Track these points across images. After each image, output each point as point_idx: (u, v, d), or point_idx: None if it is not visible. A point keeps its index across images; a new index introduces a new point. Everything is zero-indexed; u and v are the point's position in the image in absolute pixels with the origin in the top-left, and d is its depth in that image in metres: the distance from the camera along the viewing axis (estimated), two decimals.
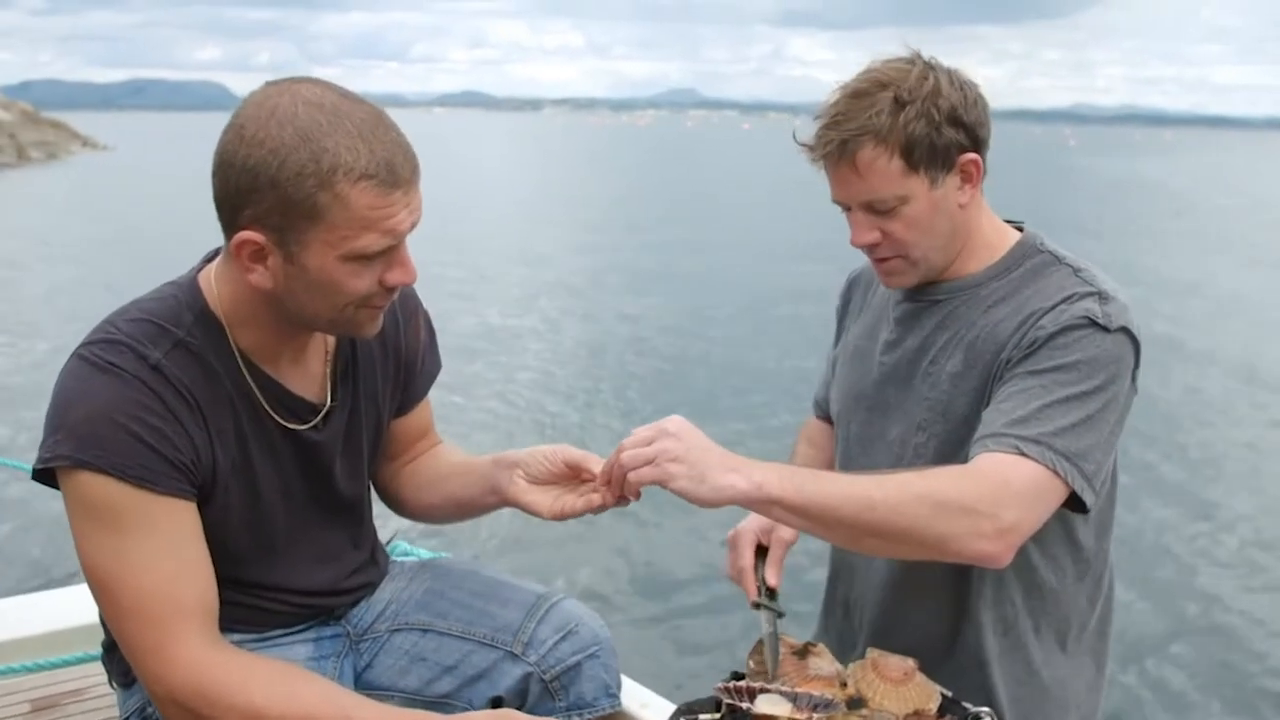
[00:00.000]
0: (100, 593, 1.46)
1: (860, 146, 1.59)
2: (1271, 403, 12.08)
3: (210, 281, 1.52)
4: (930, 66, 1.63)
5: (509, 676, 1.69)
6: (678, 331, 15.36)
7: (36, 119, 60.18)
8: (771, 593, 1.72)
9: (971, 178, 1.66)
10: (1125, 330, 1.59)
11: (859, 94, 1.61)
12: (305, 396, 1.60)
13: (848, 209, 1.68)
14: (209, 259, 1.57)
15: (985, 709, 1.59)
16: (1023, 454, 1.49)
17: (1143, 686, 5.87)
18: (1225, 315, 17.08)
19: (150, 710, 1.58)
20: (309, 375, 1.61)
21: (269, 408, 1.55)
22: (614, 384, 12.40)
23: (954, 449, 1.67)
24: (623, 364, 13.45)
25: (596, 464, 1.61)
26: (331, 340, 1.64)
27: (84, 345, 1.46)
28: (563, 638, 1.69)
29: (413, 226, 1.44)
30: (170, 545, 1.44)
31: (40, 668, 2.13)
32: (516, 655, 1.69)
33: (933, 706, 1.60)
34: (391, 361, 1.72)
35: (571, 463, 1.64)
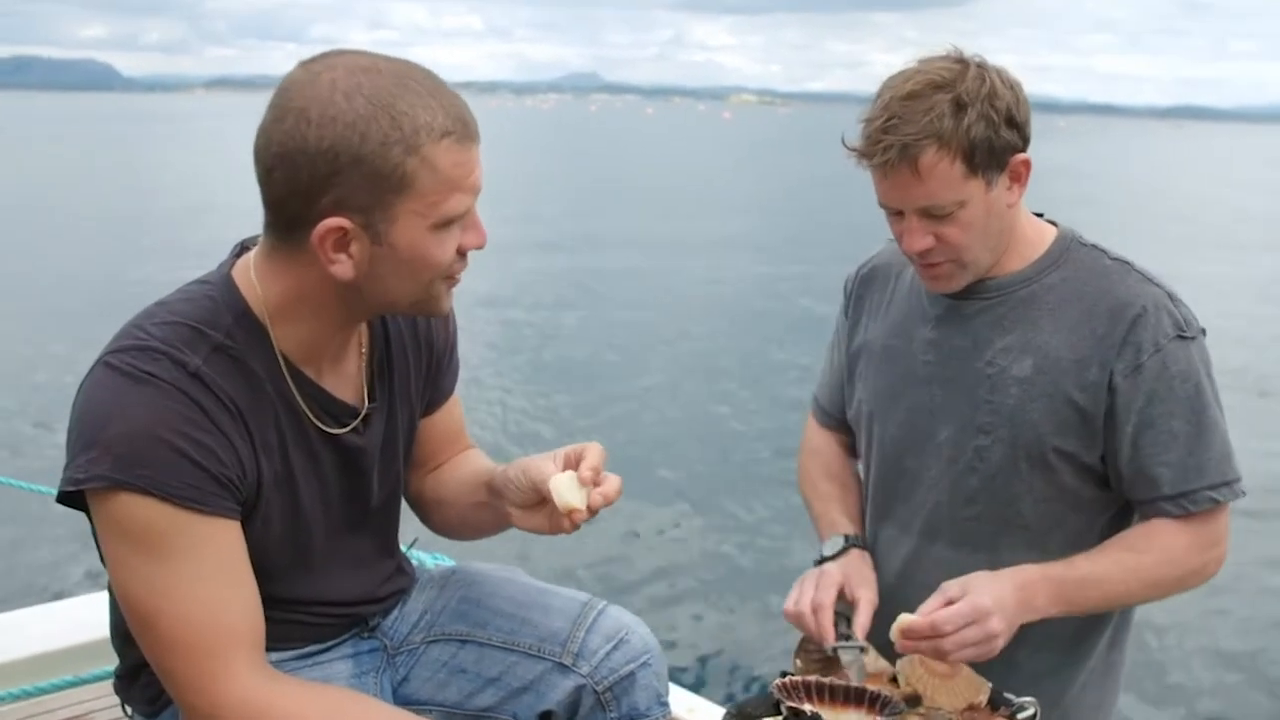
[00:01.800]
0: (140, 621, 1.37)
1: (922, 151, 1.56)
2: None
3: (250, 279, 1.41)
4: (981, 66, 1.61)
5: (558, 689, 1.62)
6: (577, 318, 15.29)
7: None
8: (847, 637, 1.68)
9: (1021, 177, 1.65)
10: (1201, 330, 1.68)
11: (914, 95, 1.57)
12: (345, 399, 1.51)
13: (898, 214, 1.65)
14: (238, 253, 1.46)
15: (1029, 699, 1.62)
16: (1214, 505, 1.67)
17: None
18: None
19: None
20: (346, 376, 1.53)
21: (310, 413, 1.46)
22: (509, 374, 12.27)
23: (1023, 453, 1.69)
24: (518, 352, 13.33)
25: (555, 481, 1.47)
26: (366, 338, 1.55)
27: (112, 353, 1.34)
28: (614, 647, 1.63)
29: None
30: (218, 570, 1.35)
31: (29, 694, 1.97)
32: (567, 666, 1.62)
33: (983, 699, 1.62)
34: (425, 355, 1.65)
35: (537, 484, 1.50)
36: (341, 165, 1.27)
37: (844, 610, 1.74)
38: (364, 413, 1.54)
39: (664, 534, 7.99)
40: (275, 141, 1.30)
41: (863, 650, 1.63)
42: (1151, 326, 1.63)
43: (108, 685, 1.74)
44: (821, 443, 2.03)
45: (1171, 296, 1.67)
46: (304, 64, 1.34)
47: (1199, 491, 1.65)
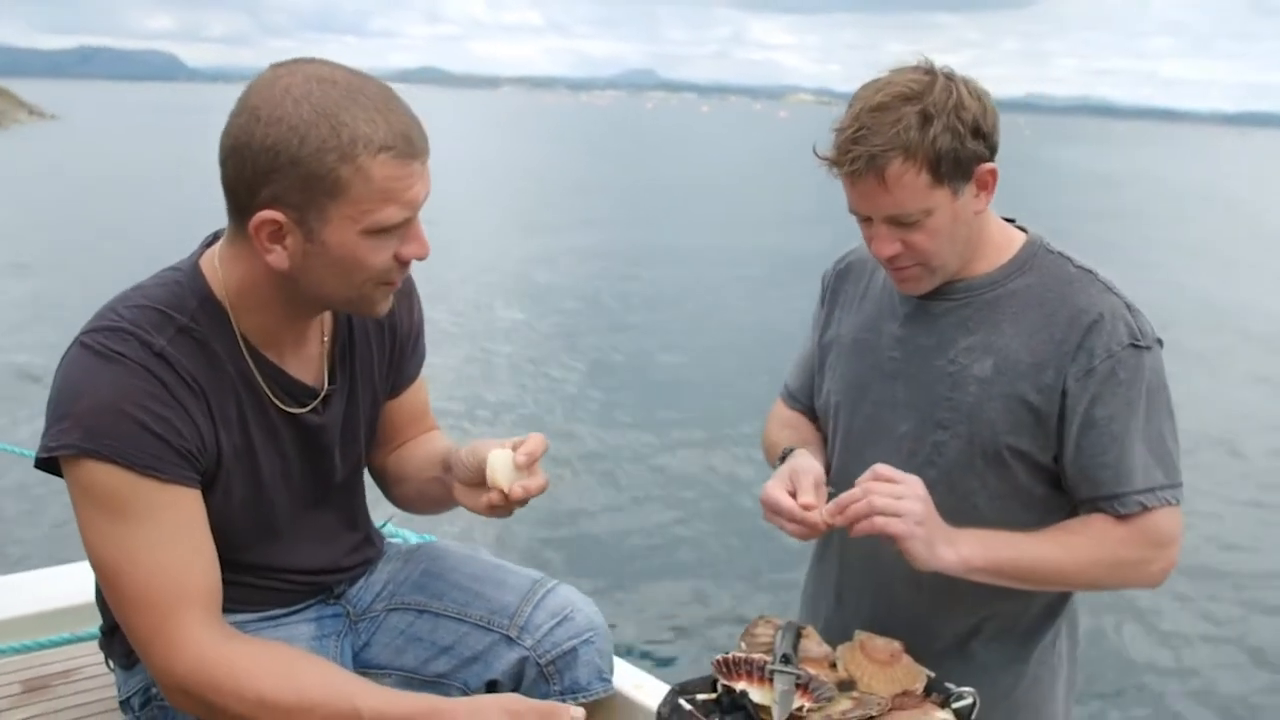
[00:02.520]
0: (106, 580, 1.47)
1: (889, 162, 1.60)
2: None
3: (214, 265, 1.51)
4: (949, 78, 1.64)
5: (504, 660, 1.71)
6: (629, 317, 15.40)
7: None
8: (786, 659, 1.68)
9: (987, 185, 1.69)
10: (1158, 340, 1.71)
11: (882, 107, 1.61)
12: (304, 380, 1.61)
13: (867, 220, 1.70)
14: (208, 243, 1.57)
15: (968, 689, 1.65)
16: (1163, 505, 1.70)
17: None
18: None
19: (154, 690, 1.59)
20: (308, 359, 1.62)
21: (270, 393, 1.56)
22: (563, 370, 12.39)
23: (978, 449, 1.73)
24: (570, 349, 13.47)
25: (492, 457, 1.57)
26: (329, 322, 1.65)
27: (87, 333, 1.45)
28: (558, 623, 1.72)
29: (426, 198, 1.46)
30: (175, 533, 1.45)
31: (28, 648, 2.12)
32: (512, 639, 1.71)
33: (919, 687, 1.65)
34: (388, 340, 1.73)
35: (481, 463, 1.59)
36: (280, 164, 1.36)
37: (791, 630, 1.74)
38: (323, 393, 1.63)
39: (647, 519, 8.20)
40: (230, 134, 1.40)
41: (798, 680, 1.62)
42: (1106, 333, 1.67)
43: (95, 643, 1.86)
44: (787, 414, 2.07)
45: (1129, 306, 1.71)
46: (273, 67, 1.44)
47: (1128, 495, 1.69)
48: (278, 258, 1.44)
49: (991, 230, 1.77)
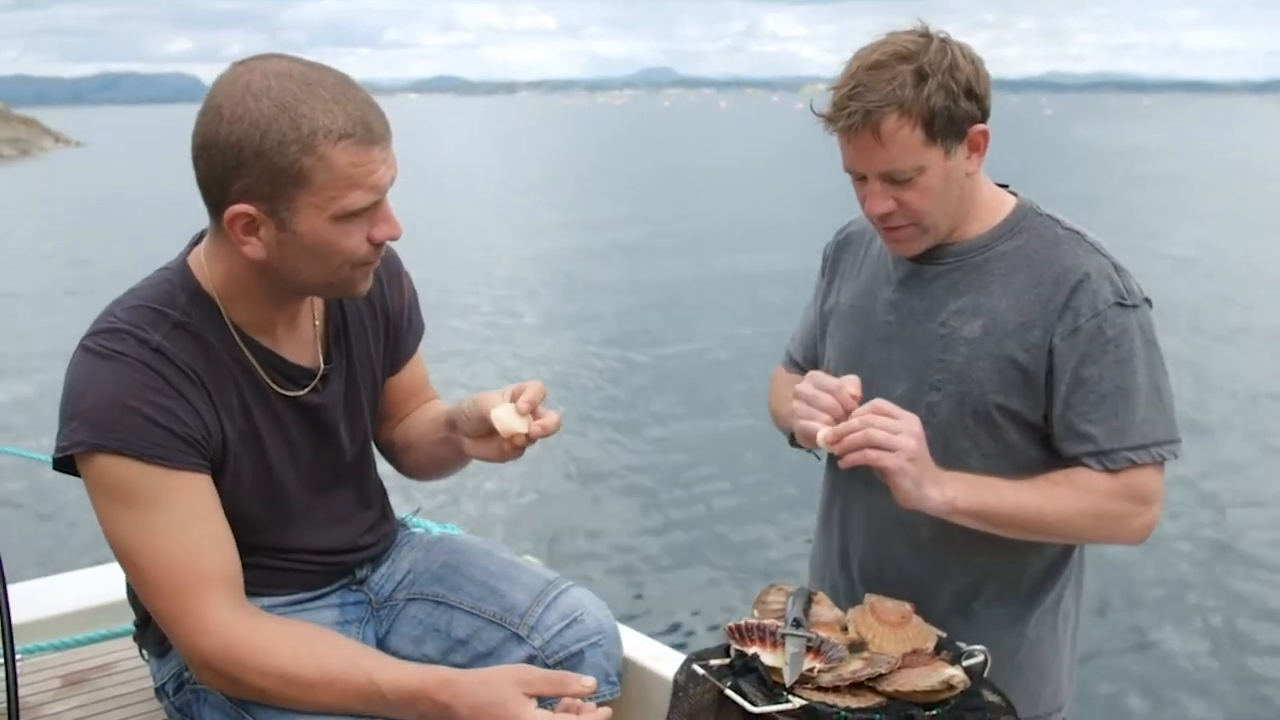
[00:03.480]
0: (128, 568, 1.53)
1: (884, 117, 1.63)
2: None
3: (200, 262, 1.58)
4: (944, 41, 1.68)
5: (513, 657, 1.74)
6: (651, 316, 15.43)
7: (7, 116, 59.57)
8: (798, 623, 1.71)
9: (979, 147, 1.72)
10: (1146, 299, 1.73)
11: (879, 65, 1.65)
12: (300, 363, 1.66)
13: (861, 179, 1.73)
14: (195, 242, 1.63)
15: (979, 647, 1.67)
16: (1148, 463, 1.71)
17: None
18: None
19: (187, 674, 1.65)
20: (302, 342, 1.67)
21: (267, 378, 1.61)
22: (588, 370, 12.45)
23: (969, 409, 1.76)
24: (591, 347, 13.52)
25: (497, 412, 1.62)
26: (320, 306, 1.70)
27: (88, 337, 1.52)
28: (567, 625, 1.75)
29: (392, 181, 1.50)
30: (189, 517, 1.51)
31: (67, 645, 2.19)
32: (521, 637, 1.75)
33: (929, 646, 1.68)
34: (380, 320, 1.79)
35: (485, 415, 1.65)
36: (245, 159, 1.42)
37: (802, 595, 1.78)
38: (321, 374, 1.68)
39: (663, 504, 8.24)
40: (198, 134, 1.46)
41: (809, 643, 1.64)
42: (1091, 293, 1.69)
43: (131, 638, 1.93)
44: (790, 377, 2.10)
45: (1116, 266, 1.73)
46: (234, 65, 1.49)
47: (1118, 452, 1.70)
48: (254, 249, 1.49)
49: (983, 194, 1.80)
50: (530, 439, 1.62)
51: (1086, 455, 1.72)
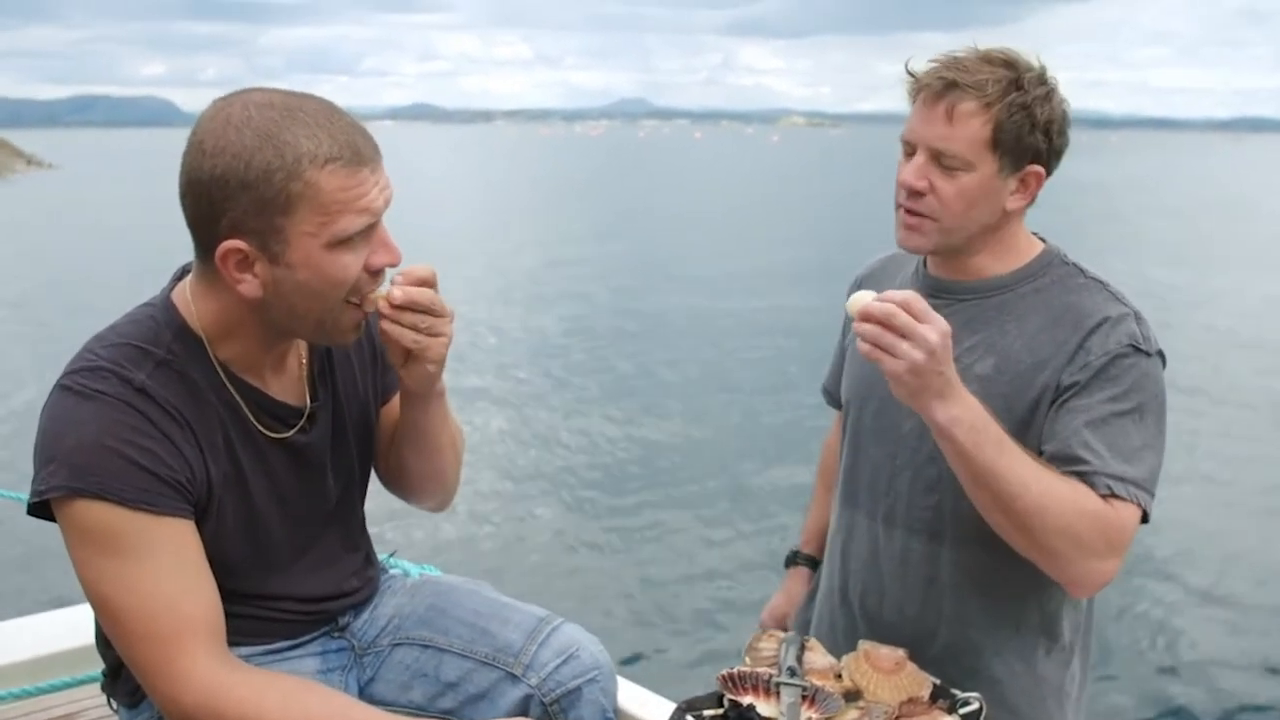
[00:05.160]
0: (106, 618, 1.46)
1: (964, 98, 1.65)
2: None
3: (186, 298, 1.53)
4: (1052, 83, 1.70)
5: (509, 697, 1.70)
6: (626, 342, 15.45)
7: None
8: (792, 671, 1.68)
9: (1029, 187, 1.72)
10: (1160, 352, 1.71)
11: (988, 59, 1.67)
12: (288, 401, 1.61)
13: (911, 152, 1.72)
14: (178, 277, 1.58)
15: (974, 694, 1.65)
16: (1128, 499, 1.63)
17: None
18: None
19: None
20: (289, 380, 1.62)
21: (254, 418, 1.56)
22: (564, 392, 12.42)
23: None
24: (572, 371, 13.54)
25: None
26: (305, 343, 1.65)
27: (66, 375, 1.45)
28: (563, 661, 1.71)
29: (386, 204, 1.46)
30: (173, 565, 1.45)
31: (29, 694, 2.11)
32: (517, 677, 1.70)
33: (925, 693, 1.65)
34: (367, 349, 1.73)
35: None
36: (231, 191, 1.38)
37: (795, 642, 1.75)
38: (308, 412, 1.63)
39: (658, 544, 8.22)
40: (184, 171, 1.42)
41: (804, 691, 1.61)
42: (1106, 334, 1.68)
43: (97, 686, 1.85)
44: (834, 438, 2.14)
45: (1137, 315, 1.71)
46: (215, 101, 1.45)
47: (1099, 475, 1.63)
48: (249, 286, 1.44)
49: (1018, 237, 1.80)
50: (393, 301, 1.50)
51: (1074, 475, 1.65)
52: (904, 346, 1.50)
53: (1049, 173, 1.73)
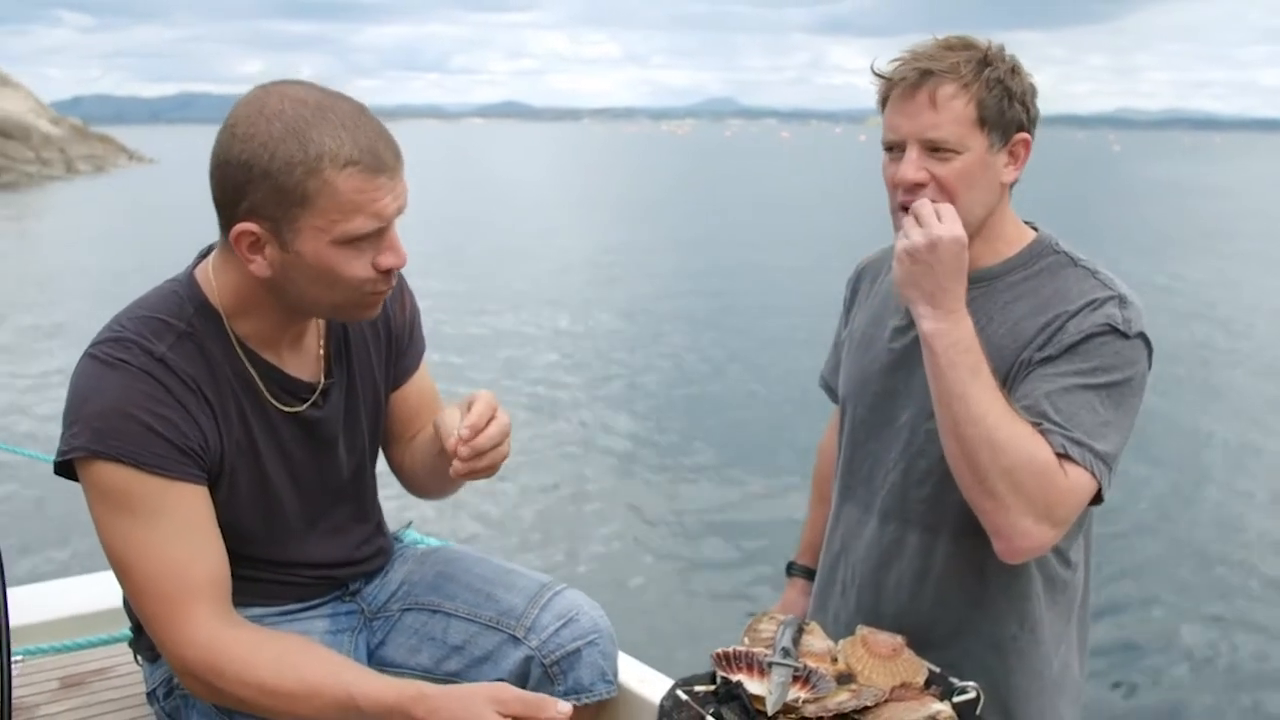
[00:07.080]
0: (120, 574, 1.54)
1: (942, 83, 1.66)
2: None
3: (208, 275, 1.60)
4: (1012, 58, 1.72)
5: (510, 659, 1.75)
6: (707, 347, 15.43)
7: (85, 133, 61.16)
8: (786, 652, 1.67)
9: (1019, 158, 1.72)
10: (1142, 335, 1.66)
11: (947, 45, 1.70)
12: (302, 377, 1.67)
13: (900, 150, 1.70)
14: (203, 255, 1.65)
15: (971, 683, 1.63)
16: (1083, 465, 1.59)
17: None
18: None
19: (175, 681, 1.66)
20: (305, 356, 1.68)
21: (267, 392, 1.62)
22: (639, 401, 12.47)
23: None
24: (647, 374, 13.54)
25: (439, 417, 1.61)
26: (323, 321, 1.71)
27: (94, 345, 1.54)
28: (563, 625, 1.76)
29: (399, 211, 1.51)
30: (182, 528, 1.52)
31: (67, 649, 2.22)
32: (518, 639, 1.75)
33: (919, 680, 1.64)
34: (383, 335, 1.79)
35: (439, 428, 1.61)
36: (253, 177, 1.44)
37: (793, 625, 1.75)
38: (322, 388, 1.69)
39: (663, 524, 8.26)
40: (215, 152, 1.49)
41: (795, 672, 1.62)
42: (1083, 315, 1.65)
43: (126, 643, 1.94)
44: (830, 436, 2.12)
45: (1123, 300, 1.67)
46: (256, 88, 1.51)
47: (1054, 430, 1.59)
48: (259, 267, 1.51)
49: (1006, 223, 1.78)
50: (472, 448, 1.54)
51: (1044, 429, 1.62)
52: (908, 223, 1.62)
53: (1031, 132, 1.73)
